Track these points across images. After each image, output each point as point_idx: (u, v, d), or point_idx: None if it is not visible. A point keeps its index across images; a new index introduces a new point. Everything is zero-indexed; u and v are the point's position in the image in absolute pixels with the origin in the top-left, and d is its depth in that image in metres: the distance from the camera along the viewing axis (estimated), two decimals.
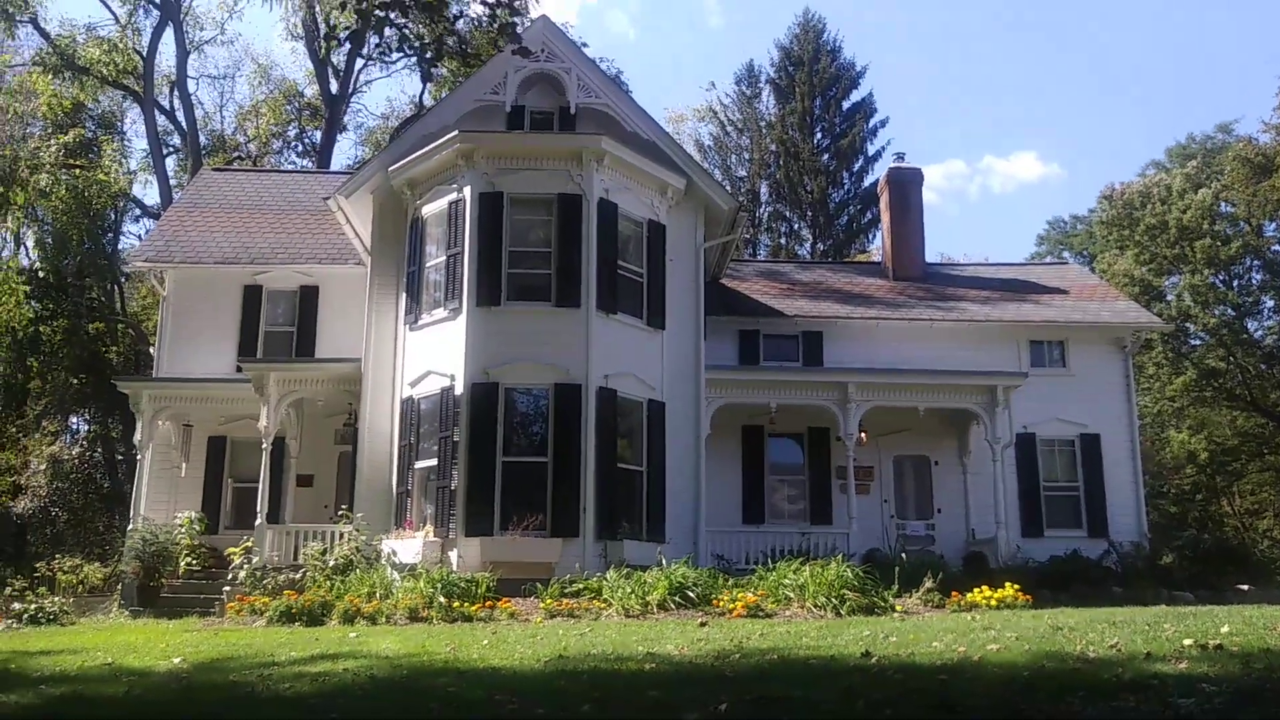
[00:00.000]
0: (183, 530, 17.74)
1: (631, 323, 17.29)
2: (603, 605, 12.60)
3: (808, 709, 6.26)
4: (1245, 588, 16.35)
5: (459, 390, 16.04)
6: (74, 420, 40.45)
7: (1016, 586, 12.80)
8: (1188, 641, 7.95)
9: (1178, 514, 39.10)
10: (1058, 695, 6.24)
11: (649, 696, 6.98)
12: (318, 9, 39.77)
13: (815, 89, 45.97)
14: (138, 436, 18.95)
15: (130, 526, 18.22)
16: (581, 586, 13.36)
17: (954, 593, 12.70)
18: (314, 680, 7.91)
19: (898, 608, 12.23)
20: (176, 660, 9.49)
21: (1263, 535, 41.33)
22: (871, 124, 46.15)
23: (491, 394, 16.04)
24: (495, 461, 15.68)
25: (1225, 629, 8.63)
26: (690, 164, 19.19)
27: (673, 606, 12.37)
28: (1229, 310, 42.46)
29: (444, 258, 17.13)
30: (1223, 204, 44.12)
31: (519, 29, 17.95)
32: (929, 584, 12.79)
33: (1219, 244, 42.33)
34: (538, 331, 16.48)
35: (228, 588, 15.95)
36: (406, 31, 9.86)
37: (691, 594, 12.54)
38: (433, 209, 17.61)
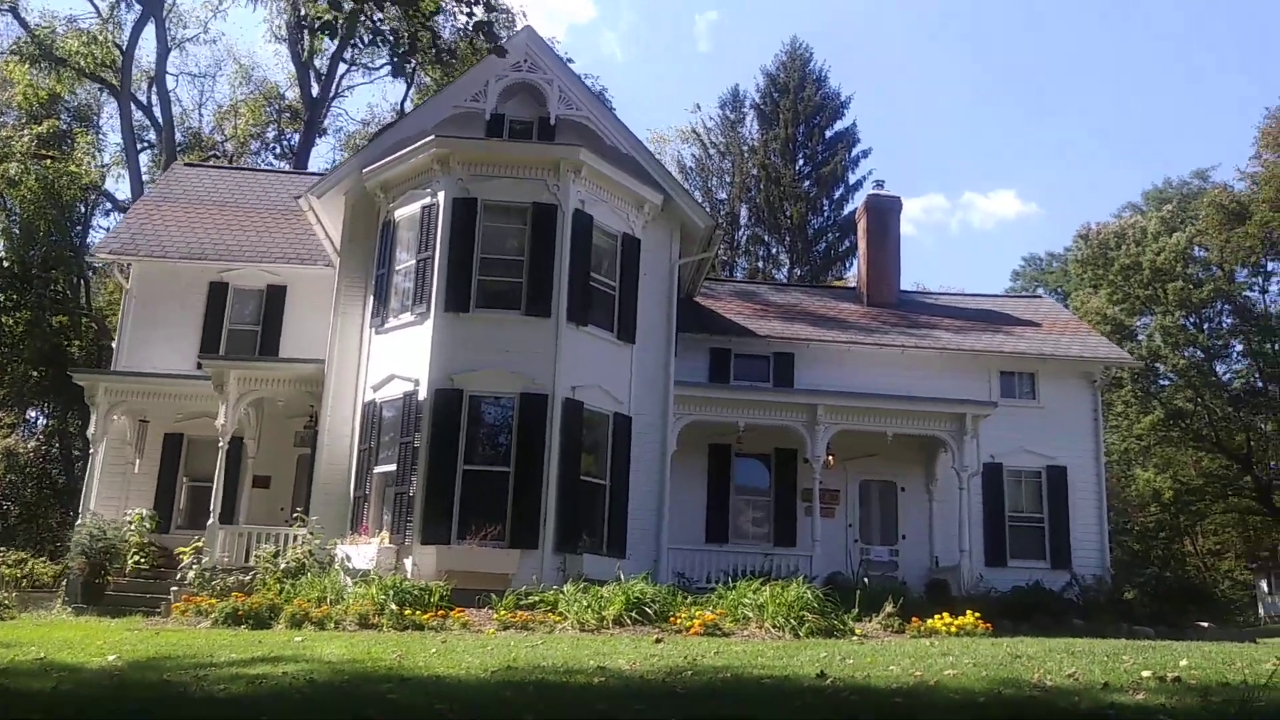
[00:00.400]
0: (132, 527, 17.31)
1: (602, 335, 17.09)
2: (558, 618, 12.33)
3: None
4: (1205, 625, 16.33)
5: (422, 395, 15.76)
6: (32, 414, 39.78)
7: (977, 614, 12.65)
8: (1146, 673, 7.82)
9: (1140, 551, 39.40)
10: None
11: (596, 710, 6.76)
12: (302, 10, 39.55)
13: (799, 116, 46.13)
14: (91, 430, 18.53)
15: (79, 522, 17.76)
16: (537, 599, 13.08)
17: (914, 619, 12.54)
18: (250, 682, 7.63)
19: (857, 631, 12.04)
20: (111, 658, 9.18)
21: (1224, 575, 41.73)
22: (853, 153, 46.35)
23: (455, 400, 15.77)
24: (456, 469, 15.38)
25: (1184, 663, 8.52)
26: (668, 180, 19.05)
27: (629, 622, 12.12)
28: (1198, 352, 42.93)
29: (414, 261, 16.88)
30: (1196, 248, 44.70)
31: (504, 38, 17.82)
32: (889, 609, 12.62)
33: (1191, 287, 42.87)
34: (506, 339, 16.23)
35: (175, 588, 15.54)
36: (381, 26, 9.67)
37: (649, 610, 12.30)
38: (405, 212, 17.37)
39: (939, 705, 6.99)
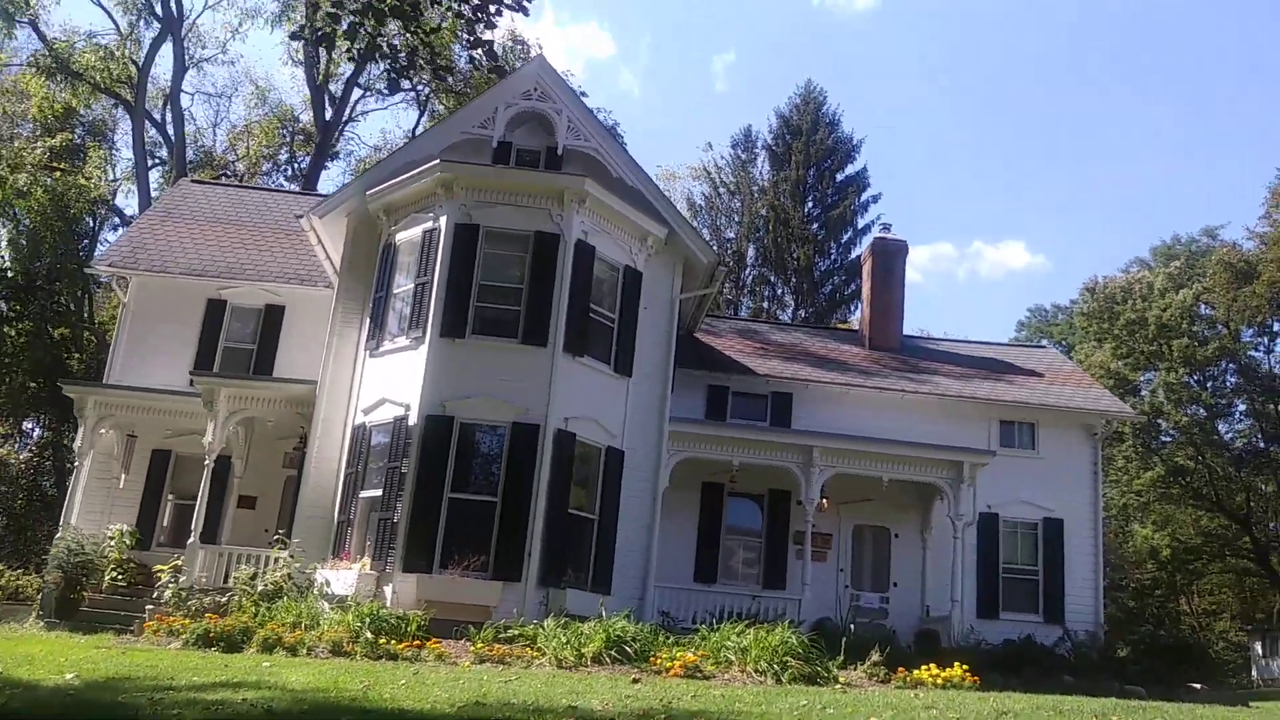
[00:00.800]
0: (111, 543, 17.05)
1: (598, 367, 16.90)
2: (536, 654, 12.04)
3: None
4: (1198, 687, 15.95)
5: (413, 421, 15.56)
6: (29, 425, 39.60)
7: (965, 667, 12.31)
8: None
9: (1136, 608, 38.75)
10: None
11: None
12: (305, 27, 39.76)
13: (811, 159, 46.16)
14: (78, 443, 18.33)
15: (57, 536, 17.51)
16: (516, 633, 12.79)
17: (900, 669, 12.21)
18: (206, 708, 7.40)
19: (841, 679, 11.72)
20: (70, 676, 8.94)
21: (1219, 636, 41.01)
22: (863, 198, 46.32)
23: (446, 427, 15.55)
24: (442, 497, 15.13)
25: None
26: (673, 214, 18.92)
27: (608, 660, 11.83)
28: (1201, 410, 42.57)
29: (412, 285, 16.75)
30: (1203, 306, 44.48)
31: (516, 67, 17.50)
32: (875, 657, 12.28)
33: (1196, 344, 42.59)
34: (500, 367, 16.03)
35: (150, 606, 15.25)
36: (380, 41, 9.58)
37: (629, 649, 11.99)
38: (406, 236, 17.27)
39: None
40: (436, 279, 16.29)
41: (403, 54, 8.82)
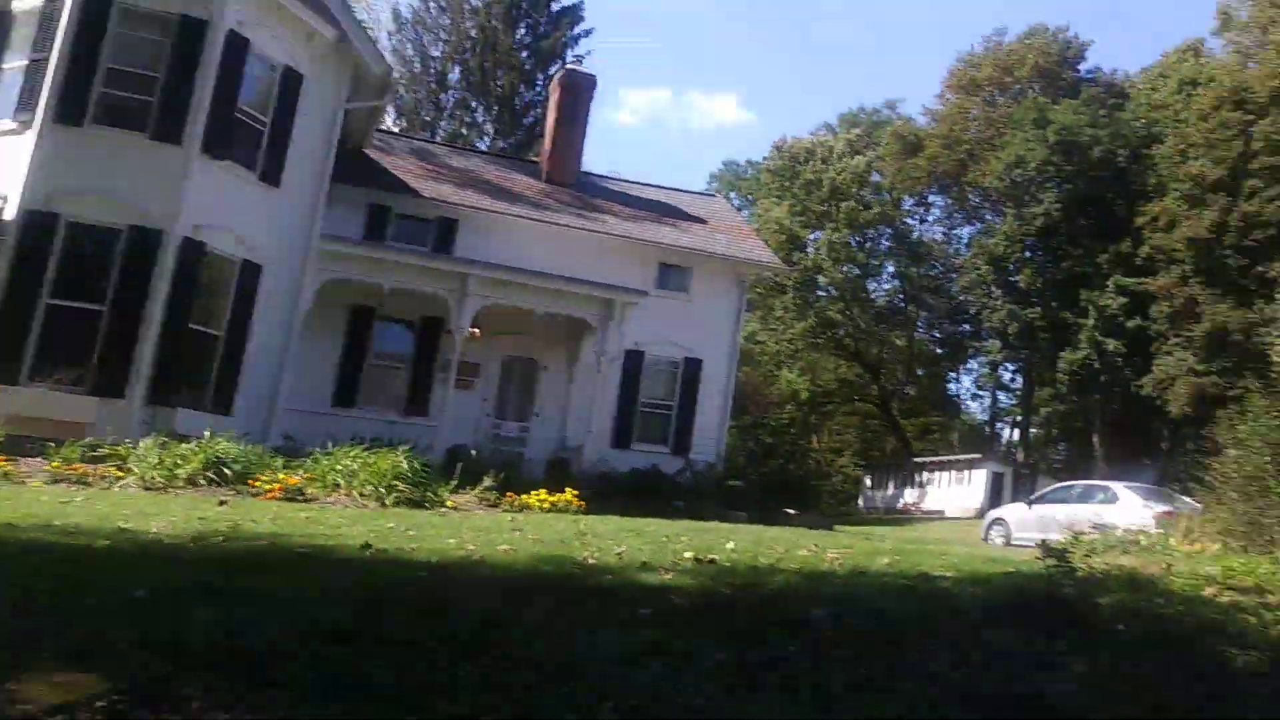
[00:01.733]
0: None
1: (241, 174, 15.67)
2: (124, 474, 11.29)
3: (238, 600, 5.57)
4: (792, 512, 17.66)
5: (10, 215, 13.86)
6: None
7: (575, 492, 12.86)
8: (689, 554, 8.07)
9: (773, 444, 42.61)
10: (525, 597, 6.04)
11: (53, 577, 6.08)
12: None
13: None
14: None
15: None
16: (107, 452, 11.91)
17: (510, 494, 12.59)
18: None
19: (450, 503, 11.90)
20: None
21: (838, 471, 46.39)
22: (576, 31, 45.32)
23: (49, 224, 13.96)
24: (38, 302, 13.67)
25: (731, 545, 8.91)
26: (346, 15, 17.52)
27: (204, 483, 11.28)
28: (855, 269, 46.49)
29: (26, 61, 14.76)
30: (875, 174, 47.94)
31: None
32: (488, 482, 12.57)
33: (861, 208, 46.03)
34: (125, 163, 14.47)
35: None
36: None
37: (228, 471, 11.51)
38: (24, 4, 15.10)
39: (459, 582, 6.86)
40: (55, 56, 14.41)
41: None
